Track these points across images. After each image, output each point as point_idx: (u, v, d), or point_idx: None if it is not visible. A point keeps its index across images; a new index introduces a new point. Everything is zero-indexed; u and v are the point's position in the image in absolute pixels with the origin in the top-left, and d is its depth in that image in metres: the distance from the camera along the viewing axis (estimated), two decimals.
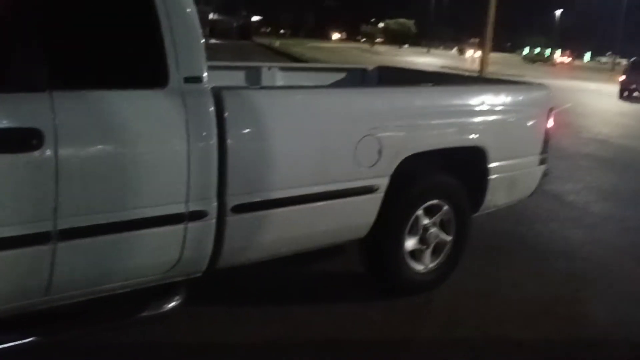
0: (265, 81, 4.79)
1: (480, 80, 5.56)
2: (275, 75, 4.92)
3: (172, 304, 2.64)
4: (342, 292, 3.69)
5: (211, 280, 2.92)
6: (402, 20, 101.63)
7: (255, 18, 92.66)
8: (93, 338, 2.77)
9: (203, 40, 2.64)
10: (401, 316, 3.43)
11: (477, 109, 3.71)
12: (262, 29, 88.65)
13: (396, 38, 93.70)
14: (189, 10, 2.59)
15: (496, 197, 3.90)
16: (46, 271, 2.27)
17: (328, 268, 3.99)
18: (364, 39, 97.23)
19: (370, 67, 5.50)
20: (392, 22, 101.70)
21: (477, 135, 3.68)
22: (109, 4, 2.53)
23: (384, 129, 3.15)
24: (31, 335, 2.38)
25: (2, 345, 2.31)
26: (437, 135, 3.51)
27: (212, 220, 2.61)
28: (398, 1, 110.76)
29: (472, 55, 26.70)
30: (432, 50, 77.86)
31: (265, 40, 58.18)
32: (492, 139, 3.71)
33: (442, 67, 32.62)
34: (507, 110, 3.91)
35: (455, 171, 3.66)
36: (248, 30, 70.23)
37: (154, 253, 2.54)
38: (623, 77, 24.02)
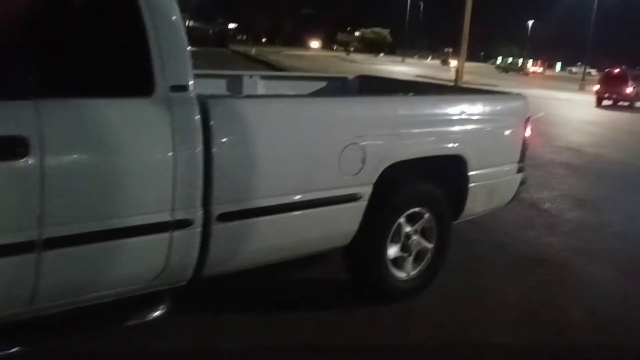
0: (246, 89, 4.80)
1: (460, 89, 5.65)
2: (256, 83, 4.94)
3: (158, 312, 2.62)
4: (327, 300, 3.70)
5: (198, 288, 2.90)
6: (377, 29, 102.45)
7: (231, 25, 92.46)
8: (78, 347, 2.74)
9: (189, 49, 2.65)
10: (386, 323, 3.46)
11: (457, 118, 3.76)
12: (239, 37, 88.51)
13: (372, 47, 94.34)
14: (174, 18, 2.59)
15: (476, 204, 3.95)
16: (31, 280, 2.25)
17: (313, 275, 3.99)
18: (336, 47, 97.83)
19: (351, 76, 5.55)
20: (368, 31, 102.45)
21: (458, 144, 3.73)
22: (95, 13, 2.52)
23: (368, 138, 3.18)
24: (16, 345, 2.35)
25: None
26: (420, 143, 3.55)
27: (197, 229, 2.61)
28: (374, 10, 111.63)
29: (457, 65, 27.36)
30: (407, 59, 78.60)
31: (242, 48, 58.12)
32: (471, 148, 3.77)
33: (418, 76, 32.95)
34: (486, 119, 3.98)
35: (436, 179, 3.71)
36: (224, 38, 70.04)
37: (139, 262, 2.53)
38: (598, 87, 25.15)
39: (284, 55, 52.47)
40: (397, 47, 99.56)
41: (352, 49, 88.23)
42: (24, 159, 2.14)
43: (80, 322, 2.56)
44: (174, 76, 2.55)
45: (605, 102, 24.72)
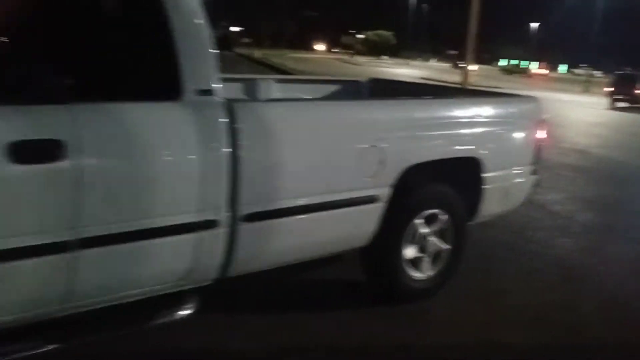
0: (261, 93, 4.86)
1: (472, 92, 5.70)
2: (271, 87, 4.99)
3: (185, 311, 2.69)
4: (343, 300, 3.76)
5: (217, 288, 2.95)
6: (381, 31, 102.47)
7: (235, 29, 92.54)
8: (101, 345, 2.77)
9: (215, 52, 2.71)
10: (401, 323, 3.51)
11: (473, 120, 3.83)
12: (243, 40, 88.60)
13: (376, 49, 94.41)
14: (201, 23, 2.65)
15: (491, 206, 4.00)
16: (66, 279, 2.31)
17: (329, 276, 4.04)
18: (338, 50, 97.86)
19: (363, 79, 5.61)
20: (371, 34, 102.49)
21: (473, 147, 3.79)
22: (126, 20, 2.59)
23: (387, 140, 3.25)
24: (48, 343, 2.40)
25: (19, 354, 2.33)
26: (437, 146, 3.61)
27: (224, 229, 2.67)
28: (378, 13, 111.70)
29: (469, 68, 27.55)
30: (411, 62, 78.63)
31: (246, 51, 58.22)
32: (486, 150, 3.82)
33: (423, 78, 32.96)
34: (501, 122, 4.04)
35: (452, 181, 3.76)
36: (228, 41, 70.08)
37: (168, 261, 2.59)
38: (611, 89, 25.86)
39: (288, 58, 52.50)
40: (401, 50, 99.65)
41: (352, 51, 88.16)
42: (61, 162, 2.21)
43: (108, 321, 2.62)
44: (201, 80, 2.62)
45: (621, 104, 25.14)
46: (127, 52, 2.59)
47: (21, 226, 2.18)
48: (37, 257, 2.23)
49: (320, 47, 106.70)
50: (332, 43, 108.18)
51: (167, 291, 2.69)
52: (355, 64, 56.49)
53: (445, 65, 74.86)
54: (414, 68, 58.93)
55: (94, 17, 2.52)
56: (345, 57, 77.05)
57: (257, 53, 54.25)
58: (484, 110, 3.94)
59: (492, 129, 3.95)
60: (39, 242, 2.21)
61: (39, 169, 2.18)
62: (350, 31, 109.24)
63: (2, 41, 2.25)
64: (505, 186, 4.06)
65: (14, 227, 2.17)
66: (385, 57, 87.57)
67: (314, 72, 29.07)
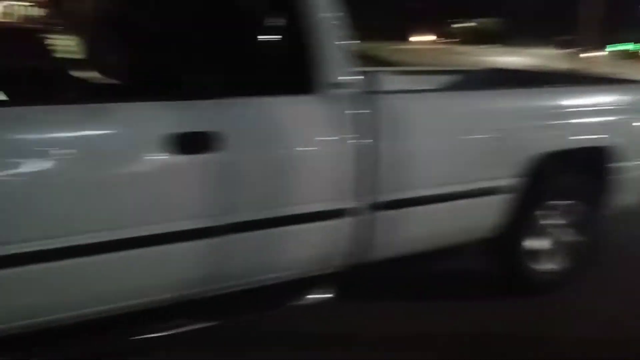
0: (382, 85, 4.89)
1: (597, 80, 5.42)
2: (384, 79, 5.01)
3: (324, 295, 2.82)
4: (471, 291, 3.74)
5: (348, 274, 3.00)
6: (484, 19, 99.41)
7: None
8: (233, 326, 2.91)
9: (350, 45, 2.79)
10: (530, 314, 3.46)
11: (602, 108, 3.70)
12: None
13: (480, 38, 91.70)
14: (332, 17, 2.73)
15: (625, 197, 3.83)
16: (214, 262, 2.50)
17: (455, 267, 3.93)
18: (439, 40, 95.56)
19: (482, 69, 5.53)
20: (474, 22, 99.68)
21: (604, 135, 3.64)
22: (265, 20, 2.77)
23: (515, 130, 3.23)
24: (189, 322, 2.59)
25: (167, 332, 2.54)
26: (564, 135, 3.51)
27: (362, 217, 2.77)
28: (481, 1, 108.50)
29: (590, 55, 25.89)
30: (519, 50, 75.62)
31: None
32: (620, 139, 3.67)
33: (533, 66, 31.60)
34: (632, 109, 3.86)
35: (585, 171, 3.66)
36: None
37: (308, 247, 2.73)
38: None
39: (390, 50, 52.06)
40: (506, 37, 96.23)
41: (452, 40, 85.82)
42: (216, 152, 2.38)
43: (248, 303, 2.77)
44: (336, 73, 2.71)
45: None
46: (266, 49, 2.76)
47: (181, 211, 2.39)
48: (191, 240, 2.41)
49: (422, 37, 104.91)
50: (434, 33, 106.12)
51: (306, 275, 2.83)
52: (459, 54, 55.06)
53: (555, 52, 71.33)
54: (522, 56, 56.66)
55: (239, 19, 2.71)
56: (449, 47, 75.23)
57: (357, 46, 54.17)
58: (613, 98, 3.80)
59: (624, 117, 3.78)
60: (195, 227, 2.40)
61: (197, 159, 2.37)
62: (452, 20, 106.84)
63: (165, 45, 2.47)
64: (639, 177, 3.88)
65: (175, 212, 2.37)
66: (488, 46, 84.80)
67: (420, 63, 28.68)
